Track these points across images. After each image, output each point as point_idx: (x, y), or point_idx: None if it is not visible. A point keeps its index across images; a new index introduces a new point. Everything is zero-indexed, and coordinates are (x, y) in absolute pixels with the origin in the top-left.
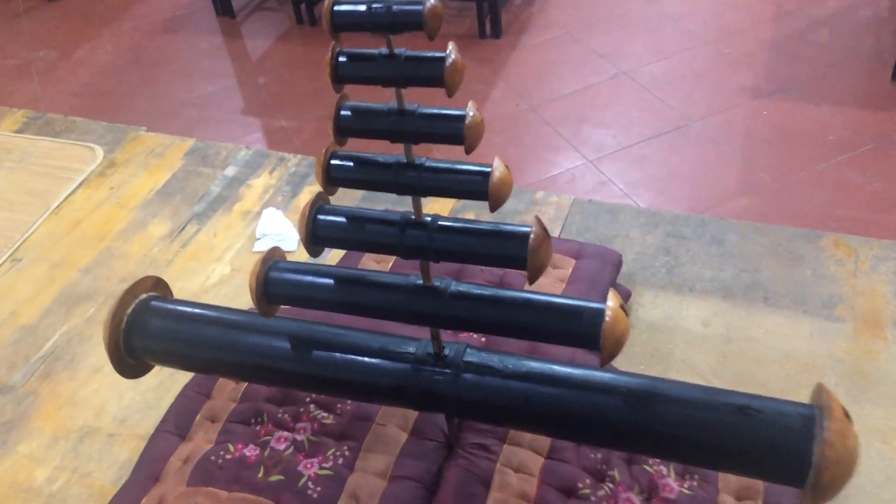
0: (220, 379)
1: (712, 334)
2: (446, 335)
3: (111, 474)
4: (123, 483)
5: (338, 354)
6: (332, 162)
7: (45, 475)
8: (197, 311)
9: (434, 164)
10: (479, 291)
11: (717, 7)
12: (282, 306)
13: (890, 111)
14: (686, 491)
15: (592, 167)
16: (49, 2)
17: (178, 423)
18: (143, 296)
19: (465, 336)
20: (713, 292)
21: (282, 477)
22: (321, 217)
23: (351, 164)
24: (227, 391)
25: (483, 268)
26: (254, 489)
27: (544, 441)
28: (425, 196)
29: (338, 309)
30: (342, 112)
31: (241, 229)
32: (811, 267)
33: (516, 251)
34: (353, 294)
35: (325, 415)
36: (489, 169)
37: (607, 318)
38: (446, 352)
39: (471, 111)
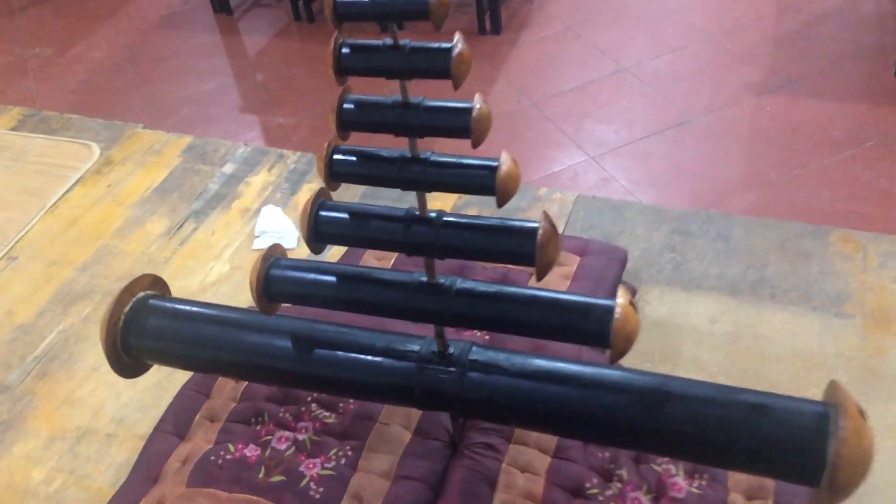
0: (220, 378)
1: (720, 332)
2: (449, 333)
3: (109, 475)
4: (121, 484)
5: (340, 353)
6: (335, 157)
7: (42, 476)
8: (196, 309)
9: (440, 159)
10: (485, 288)
11: (719, 2)
12: (282, 305)
13: (895, 106)
14: (695, 490)
15: (594, 164)
16: None
17: (176, 422)
18: (141, 294)
19: (468, 334)
20: (720, 289)
21: (283, 477)
22: (323, 213)
23: (354, 158)
24: (227, 390)
25: (486, 265)
26: (255, 490)
27: (551, 440)
28: (430, 191)
29: (340, 307)
30: (345, 105)
31: (240, 227)
32: (819, 263)
33: (524, 247)
34: (356, 291)
35: (327, 414)
36: (496, 163)
37: (617, 315)
38: (451, 350)
39: (478, 103)
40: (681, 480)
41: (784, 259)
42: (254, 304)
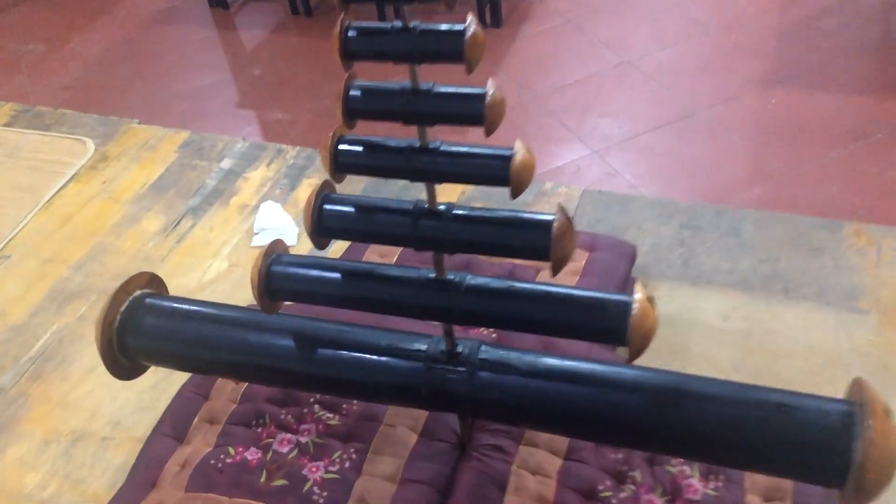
0: (219, 379)
1: (732, 328)
2: (456, 331)
3: (105, 480)
4: (118, 489)
5: (344, 352)
6: (341, 147)
7: (36, 481)
8: (194, 308)
9: (450, 148)
10: (496, 284)
11: None
12: (283, 303)
13: None
14: (711, 492)
15: (598, 158)
16: None
17: (175, 425)
18: (138, 293)
19: (474, 332)
20: (731, 284)
21: (285, 481)
22: (328, 207)
23: (360, 148)
24: (227, 392)
25: (492, 262)
26: (256, 495)
27: (562, 441)
28: (441, 182)
29: (345, 305)
30: (351, 92)
31: (239, 223)
32: (832, 257)
33: (539, 241)
34: (362, 288)
35: (331, 415)
36: (510, 152)
37: (635, 312)
38: (460, 349)
39: (491, 89)
40: (696, 482)
41: (796, 253)
42: (254, 303)
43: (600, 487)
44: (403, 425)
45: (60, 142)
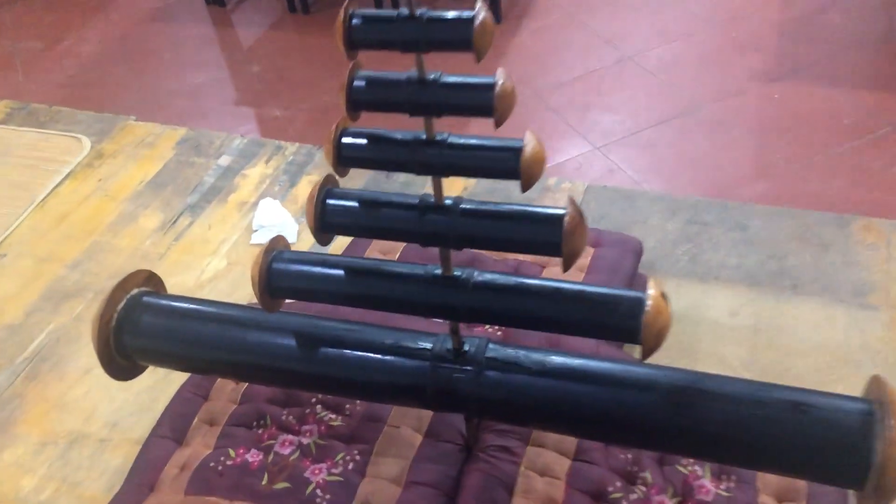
0: (219, 379)
1: (740, 325)
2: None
3: (102, 483)
4: (116, 493)
5: (347, 351)
6: (344, 139)
7: (32, 484)
8: (193, 306)
9: (458, 140)
10: (505, 281)
11: None
12: (284, 301)
13: None
14: (723, 493)
15: (600, 154)
16: None
17: (174, 427)
18: (135, 291)
19: (479, 330)
20: (739, 280)
21: (288, 484)
22: (331, 202)
23: (365, 141)
24: (227, 392)
25: (496, 258)
26: (257, 498)
27: (570, 442)
28: (447, 175)
29: (349, 302)
30: (356, 82)
31: (237, 221)
32: (841, 253)
33: (549, 236)
34: (366, 286)
35: (333, 416)
36: (520, 144)
37: (648, 309)
38: (466, 347)
39: (501, 78)
40: (707, 482)
41: (804, 249)
42: (254, 301)
43: (610, 489)
44: (408, 426)
45: (56, 139)
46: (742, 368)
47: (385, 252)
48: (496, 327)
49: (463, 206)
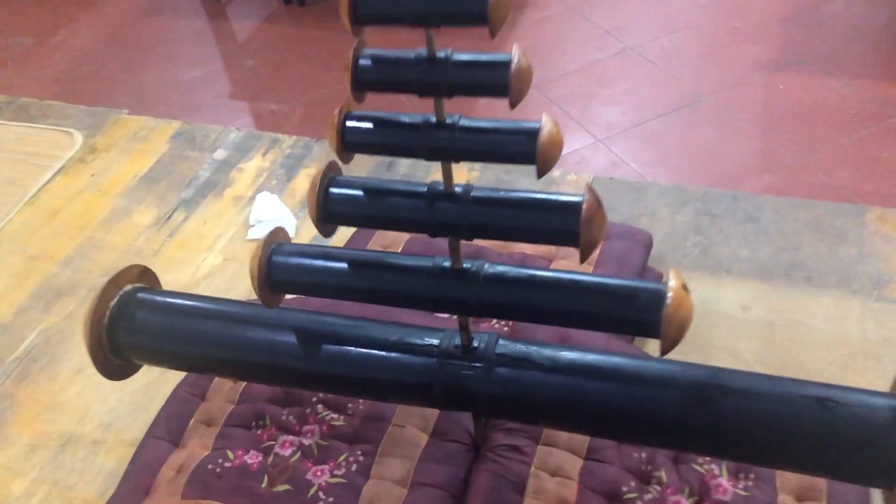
0: (216, 378)
1: (754, 318)
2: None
3: (96, 486)
4: (110, 496)
5: (351, 348)
6: (348, 123)
7: (23, 488)
8: (189, 302)
9: (470, 123)
10: (517, 273)
11: None
12: (284, 297)
13: None
14: (741, 492)
15: (603, 146)
16: None
17: (170, 428)
18: (129, 287)
19: (485, 325)
20: (752, 273)
21: (289, 487)
22: (334, 190)
23: (370, 125)
24: (225, 391)
25: (500, 251)
26: (258, 501)
27: (582, 440)
28: (459, 161)
29: (353, 297)
30: (361, 61)
31: (234, 216)
32: (856, 244)
33: (566, 224)
34: (371, 279)
35: (335, 416)
36: (536, 126)
37: (669, 301)
38: (475, 343)
39: (516, 56)
40: (725, 481)
41: (819, 240)
42: (252, 297)
43: (624, 489)
44: (413, 425)
45: (47, 134)
46: (756, 363)
47: (386, 247)
48: (503, 323)
49: (474, 193)
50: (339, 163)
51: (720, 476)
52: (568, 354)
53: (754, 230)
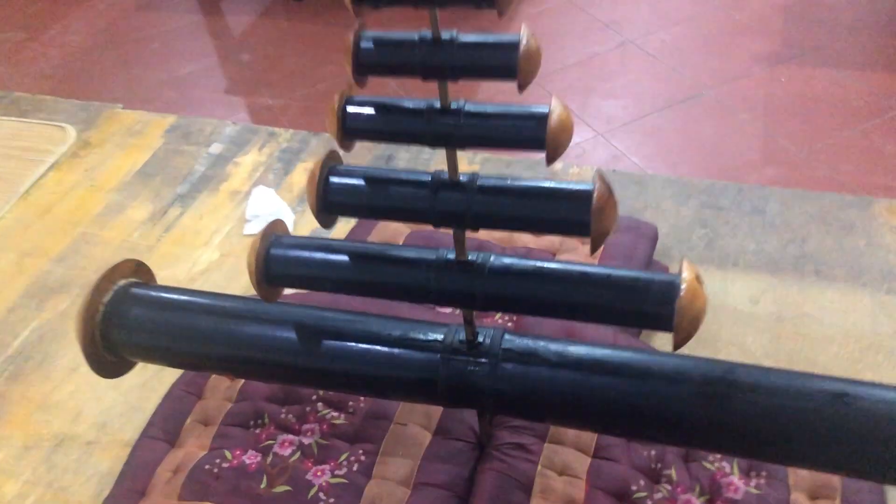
0: (213, 376)
1: (762, 312)
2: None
3: (90, 487)
4: (105, 498)
5: (352, 344)
6: (349, 109)
7: (15, 490)
8: (186, 298)
9: (476, 108)
10: (524, 265)
11: None
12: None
13: None
14: (753, 490)
15: (603, 140)
16: None
17: (166, 427)
18: (123, 282)
19: (488, 320)
20: (759, 266)
21: (288, 487)
22: (335, 180)
23: (372, 110)
24: (222, 390)
25: (504, 245)
26: (257, 502)
27: (590, 438)
28: (465, 147)
29: (354, 290)
30: (362, 44)
31: (230, 211)
32: (865, 236)
33: (576, 214)
34: (373, 272)
35: (336, 414)
36: (545, 110)
37: (682, 293)
38: (481, 338)
39: (525, 37)
40: (736, 479)
41: (826, 233)
42: (250, 293)
43: (633, 487)
44: (416, 423)
45: (39, 128)
46: (765, 358)
47: (387, 240)
48: (506, 318)
49: (480, 182)
50: (340, 151)
51: (731, 474)
52: (576, 349)
53: (760, 222)
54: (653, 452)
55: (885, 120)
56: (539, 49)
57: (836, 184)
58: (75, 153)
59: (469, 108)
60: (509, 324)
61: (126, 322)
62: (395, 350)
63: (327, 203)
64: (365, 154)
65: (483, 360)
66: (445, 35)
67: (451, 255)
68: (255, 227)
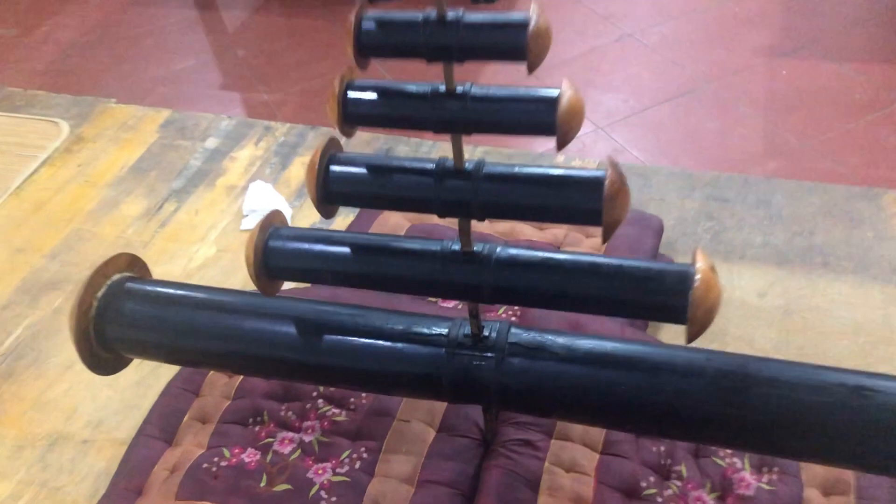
0: (211, 373)
1: (770, 306)
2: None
3: (85, 487)
4: (100, 498)
5: (354, 339)
6: (350, 94)
7: (9, 490)
8: (182, 292)
9: (483, 92)
10: (532, 256)
11: None
12: (282, 285)
13: None
14: (765, 486)
15: (604, 134)
16: None
17: (162, 425)
18: (117, 276)
19: (492, 315)
20: (766, 259)
21: (289, 486)
22: (335, 168)
23: (374, 94)
24: (220, 387)
25: (507, 238)
26: (256, 501)
27: (598, 434)
28: (471, 133)
29: (356, 283)
30: (364, 24)
31: (226, 206)
32: (873, 228)
33: (587, 202)
34: (376, 264)
35: (337, 411)
36: (555, 93)
37: (697, 284)
38: (486, 332)
39: (535, 15)
40: (748, 475)
41: (834, 225)
42: (249, 288)
43: (643, 484)
44: (419, 420)
45: (31, 124)
46: (775, 352)
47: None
48: (510, 312)
49: (486, 169)
50: (341, 139)
51: (743, 469)
52: (585, 343)
53: (767, 215)
54: (662, 448)
55: (888, 113)
56: (549, 28)
57: (840, 177)
58: (68, 148)
59: (475, 91)
60: (513, 318)
61: (121, 317)
62: (399, 345)
63: (328, 192)
64: (363, 147)
65: (489, 354)
66: (451, 14)
67: (457, 247)
68: (252, 222)
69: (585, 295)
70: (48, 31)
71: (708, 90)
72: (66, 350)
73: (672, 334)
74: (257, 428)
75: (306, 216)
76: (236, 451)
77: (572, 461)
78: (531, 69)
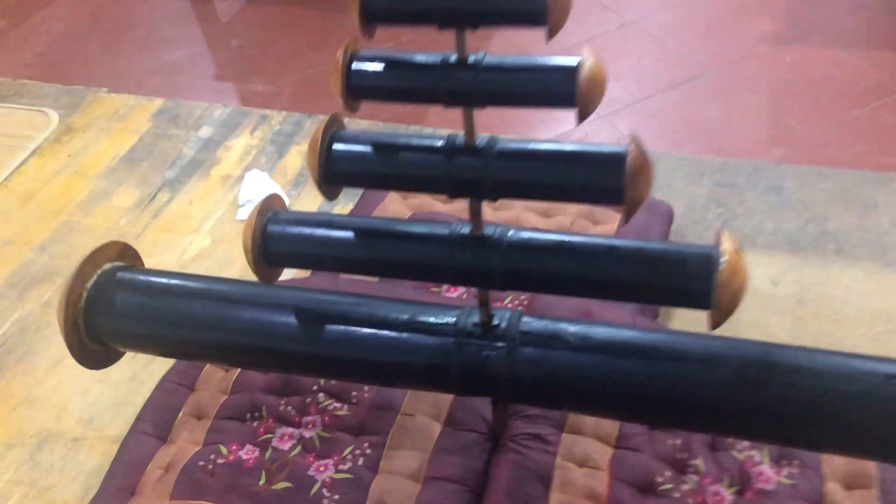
0: (207, 366)
1: (783, 293)
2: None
3: (77, 487)
4: (92, 498)
5: (357, 329)
6: (355, 65)
7: None
8: (176, 281)
9: (497, 61)
10: (546, 239)
11: None
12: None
13: None
14: (785, 480)
15: (607, 122)
16: None
17: (156, 422)
18: (107, 266)
19: (499, 304)
20: (778, 246)
21: (289, 484)
22: (339, 147)
23: (381, 65)
24: (216, 381)
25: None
26: (255, 500)
27: (611, 427)
28: (484, 105)
29: (360, 270)
30: None
31: (221, 196)
32: (888, 213)
33: (608, 179)
34: (380, 249)
35: (338, 405)
36: (575, 62)
37: (723, 267)
38: (496, 320)
39: None
40: (767, 468)
41: (846, 211)
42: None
43: (659, 479)
44: (424, 414)
45: (20, 114)
46: (789, 341)
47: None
48: (517, 301)
49: (500, 146)
50: (345, 114)
51: (762, 463)
52: (600, 331)
53: (778, 201)
54: (678, 441)
55: (894, 99)
56: None
57: (847, 164)
58: (58, 138)
59: (489, 60)
60: (520, 307)
61: (112, 308)
62: (404, 334)
63: (331, 173)
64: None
65: (500, 343)
66: None
67: (466, 230)
68: (248, 212)
69: (603, 279)
70: (38, 21)
71: (711, 78)
72: (55, 345)
73: (682, 323)
74: (255, 423)
75: (304, 206)
76: (234, 447)
77: (585, 455)
78: (551, 34)
